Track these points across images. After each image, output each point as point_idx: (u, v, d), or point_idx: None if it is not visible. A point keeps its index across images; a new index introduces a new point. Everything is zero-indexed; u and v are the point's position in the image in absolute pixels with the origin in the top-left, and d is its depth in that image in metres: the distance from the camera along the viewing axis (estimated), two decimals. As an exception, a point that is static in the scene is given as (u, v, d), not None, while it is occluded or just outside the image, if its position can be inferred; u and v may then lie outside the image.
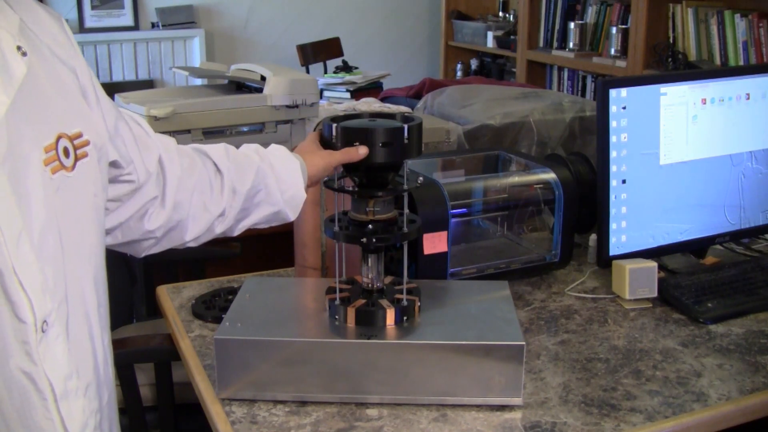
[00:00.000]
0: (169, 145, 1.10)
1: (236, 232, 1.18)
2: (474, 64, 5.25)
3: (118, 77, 4.77)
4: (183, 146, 1.13)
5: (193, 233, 1.11)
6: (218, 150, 1.15)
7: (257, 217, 1.17)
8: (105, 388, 0.93)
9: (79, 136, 0.86)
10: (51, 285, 0.80)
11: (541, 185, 1.59)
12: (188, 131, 1.79)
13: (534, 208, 1.63)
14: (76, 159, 0.85)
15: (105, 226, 0.99)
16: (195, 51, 4.90)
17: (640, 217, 1.56)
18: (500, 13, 5.27)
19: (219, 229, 1.14)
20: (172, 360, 1.49)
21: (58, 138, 0.82)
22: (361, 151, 1.14)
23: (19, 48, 0.80)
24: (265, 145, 1.93)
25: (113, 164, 0.97)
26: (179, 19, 4.83)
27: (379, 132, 1.13)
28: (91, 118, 0.90)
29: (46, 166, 0.80)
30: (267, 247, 1.87)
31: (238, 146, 1.87)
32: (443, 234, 1.42)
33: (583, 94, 4.37)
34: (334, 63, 4.34)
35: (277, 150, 1.19)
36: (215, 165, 1.13)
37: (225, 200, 1.12)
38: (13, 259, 0.76)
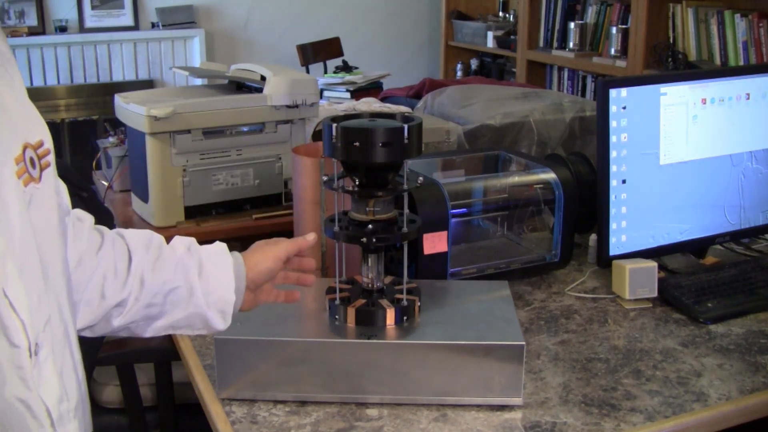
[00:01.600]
0: (82, 217, 0.99)
1: (148, 334, 1.03)
2: (474, 64, 5.25)
3: (118, 77, 4.77)
4: (101, 226, 1.03)
5: (85, 320, 0.98)
6: (139, 236, 1.03)
7: (173, 319, 1.02)
8: (87, 405, 0.89)
9: (41, 144, 0.81)
10: (36, 304, 0.76)
11: (541, 185, 1.58)
12: (188, 131, 1.78)
13: (534, 208, 1.63)
14: (41, 169, 0.80)
15: None
16: (195, 51, 4.90)
17: (640, 217, 1.56)
18: (500, 13, 5.27)
19: (117, 323, 0.99)
20: (172, 360, 1.49)
21: (24, 148, 0.78)
22: (309, 237, 1.08)
23: None
24: (263, 146, 1.91)
25: None
26: (179, 19, 4.83)
27: (379, 132, 1.13)
28: (44, 124, 0.84)
29: (19, 178, 0.75)
30: (267, 247, 1.87)
31: (238, 146, 1.87)
32: (443, 234, 1.42)
33: (583, 94, 4.37)
34: (334, 63, 4.34)
35: (213, 246, 1.06)
36: (128, 249, 1.00)
37: (127, 290, 0.98)
38: (2, 281, 0.71)
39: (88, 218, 1.01)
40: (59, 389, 0.79)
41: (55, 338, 0.80)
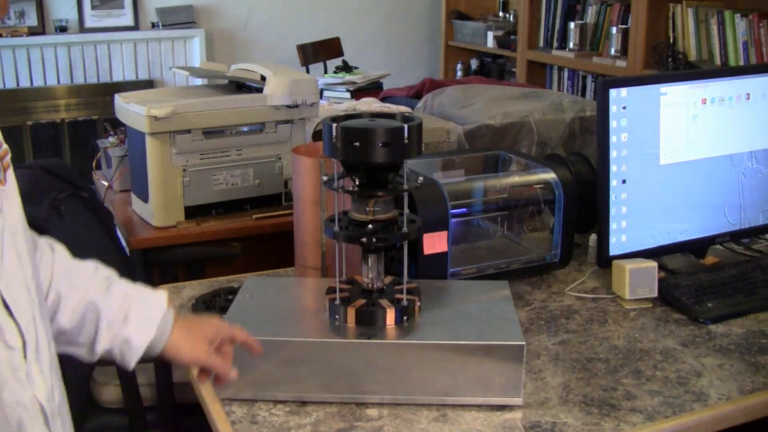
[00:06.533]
0: None
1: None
2: (474, 64, 5.24)
3: (118, 77, 4.77)
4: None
5: None
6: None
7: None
8: (66, 401, 0.88)
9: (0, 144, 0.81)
10: (22, 304, 0.76)
11: (541, 185, 1.58)
12: (188, 131, 1.79)
13: (534, 208, 1.63)
14: (4, 170, 0.80)
15: None
16: (195, 51, 4.89)
17: (640, 217, 1.56)
18: (500, 13, 5.27)
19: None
20: (172, 360, 1.49)
21: None
22: (233, 374, 1.06)
23: None
24: (263, 146, 1.89)
25: None
26: (179, 19, 4.83)
27: (379, 132, 1.13)
28: None
29: None
30: (267, 247, 1.87)
31: (238, 146, 1.87)
32: (443, 234, 1.42)
33: (583, 94, 4.37)
34: (334, 63, 4.34)
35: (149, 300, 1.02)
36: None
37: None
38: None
39: None
40: (46, 387, 0.79)
41: (39, 336, 0.79)
